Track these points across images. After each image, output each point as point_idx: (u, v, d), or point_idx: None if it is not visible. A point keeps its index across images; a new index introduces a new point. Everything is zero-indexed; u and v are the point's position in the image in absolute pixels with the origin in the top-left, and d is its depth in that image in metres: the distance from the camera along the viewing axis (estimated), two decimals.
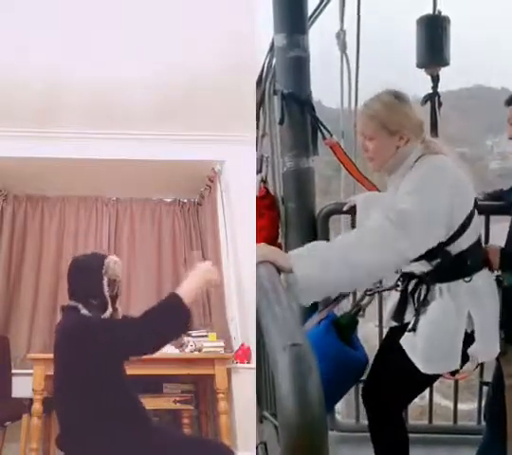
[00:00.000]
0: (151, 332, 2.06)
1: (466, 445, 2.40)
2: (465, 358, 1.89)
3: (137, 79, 3.52)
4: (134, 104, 3.76)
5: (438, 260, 1.83)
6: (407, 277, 1.96)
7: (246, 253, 3.75)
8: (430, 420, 2.70)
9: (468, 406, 3.26)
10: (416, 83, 2.83)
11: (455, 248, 1.83)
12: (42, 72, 3.41)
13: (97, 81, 3.50)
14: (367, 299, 2.10)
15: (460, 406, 2.75)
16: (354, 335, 2.13)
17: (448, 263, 1.83)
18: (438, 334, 1.86)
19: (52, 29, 3.05)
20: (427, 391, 2.55)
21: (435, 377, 2.00)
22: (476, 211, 1.88)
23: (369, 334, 2.42)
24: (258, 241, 2.37)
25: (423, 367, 1.87)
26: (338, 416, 2.74)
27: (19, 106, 3.73)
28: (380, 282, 2.08)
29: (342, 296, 2.15)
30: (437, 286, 1.87)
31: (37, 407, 3.42)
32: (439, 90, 2.75)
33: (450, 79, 2.91)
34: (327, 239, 2.41)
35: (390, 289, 2.07)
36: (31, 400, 3.46)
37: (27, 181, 4.51)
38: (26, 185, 4.57)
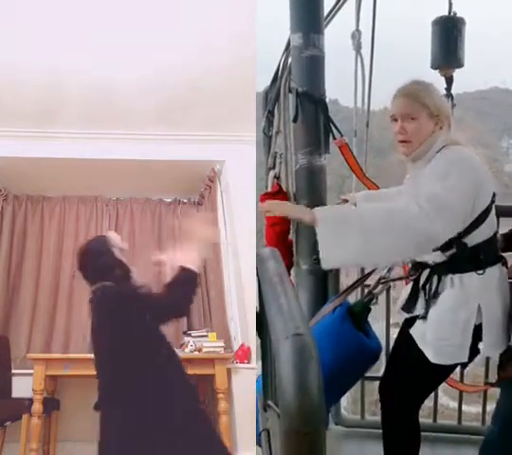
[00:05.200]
0: (177, 298, 2.32)
1: (469, 445, 2.42)
2: (474, 352, 1.89)
3: (137, 79, 3.52)
4: (134, 104, 3.76)
5: (453, 250, 1.84)
6: (420, 267, 1.96)
7: (246, 253, 3.75)
8: (435, 419, 2.73)
9: (476, 408, 3.27)
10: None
11: (470, 240, 1.84)
12: (42, 72, 3.42)
13: (97, 81, 3.51)
14: (380, 287, 2.10)
15: (467, 408, 2.78)
16: (367, 323, 2.14)
17: (463, 255, 1.84)
18: (448, 324, 1.87)
19: (52, 29, 3.06)
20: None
21: (450, 370, 2.00)
22: (493, 206, 1.88)
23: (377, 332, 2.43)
24: (269, 236, 2.41)
25: (432, 357, 1.87)
26: (343, 412, 2.79)
27: (19, 106, 3.73)
28: (389, 270, 2.10)
29: (356, 283, 2.18)
30: (449, 277, 1.87)
31: (37, 407, 3.43)
32: (455, 92, 2.76)
33: (466, 80, 2.92)
34: None
35: (402, 278, 2.08)
36: (31, 400, 3.46)
37: (27, 181, 4.51)
38: (26, 185, 4.58)
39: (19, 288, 4.43)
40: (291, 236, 2.40)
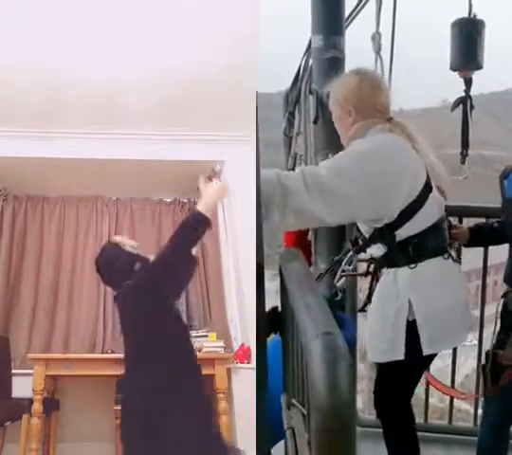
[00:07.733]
0: (183, 249, 2.30)
1: None
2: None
3: (137, 79, 3.52)
4: (134, 104, 3.76)
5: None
6: (371, 261, 1.95)
7: (246, 253, 3.75)
8: (450, 421, 2.73)
9: None
10: (449, 86, 2.84)
11: (402, 233, 1.81)
12: (42, 72, 3.42)
13: (97, 81, 3.51)
14: (342, 280, 2.07)
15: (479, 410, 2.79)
16: (343, 316, 2.08)
17: (394, 248, 1.81)
18: (378, 320, 1.83)
19: (52, 29, 3.05)
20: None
21: (414, 369, 1.95)
22: (435, 198, 1.85)
23: None
24: (288, 237, 2.42)
25: (369, 355, 1.84)
26: (359, 412, 2.81)
27: (19, 106, 3.73)
28: (349, 263, 2.08)
29: (319, 278, 2.16)
30: (386, 271, 1.85)
31: (37, 407, 3.43)
32: (471, 93, 2.76)
33: (481, 82, 2.92)
34: (356, 236, 2.44)
35: (361, 274, 2.06)
36: (31, 400, 3.46)
37: (27, 181, 4.51)
38: (26, 185, 4.57)
39: (19, 288, 4.43)
40: (310, 236, 2.40)
